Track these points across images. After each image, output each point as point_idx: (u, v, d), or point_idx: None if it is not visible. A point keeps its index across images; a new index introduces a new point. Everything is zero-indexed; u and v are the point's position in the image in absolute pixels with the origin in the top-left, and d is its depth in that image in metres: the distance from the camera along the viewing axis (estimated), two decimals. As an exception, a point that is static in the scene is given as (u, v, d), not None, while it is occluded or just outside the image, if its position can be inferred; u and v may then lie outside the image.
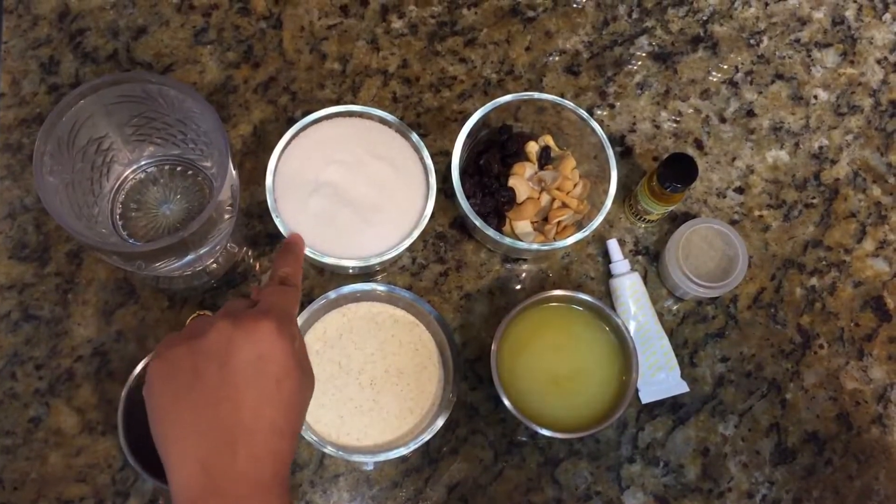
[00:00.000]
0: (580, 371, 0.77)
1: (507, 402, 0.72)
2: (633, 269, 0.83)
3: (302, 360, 0.56)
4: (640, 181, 0.82)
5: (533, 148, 0.82)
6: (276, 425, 0.52)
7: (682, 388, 0.81)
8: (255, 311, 0.55)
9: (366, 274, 0.82)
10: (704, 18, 0.92)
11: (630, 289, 0.82)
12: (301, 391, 0.55)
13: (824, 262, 0.86)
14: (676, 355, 0.81)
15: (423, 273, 0.83)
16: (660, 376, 0.81)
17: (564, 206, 0.80)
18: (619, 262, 0.82)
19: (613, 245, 0.83)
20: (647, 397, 0.81)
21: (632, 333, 0.78)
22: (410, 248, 0.82)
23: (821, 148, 0.89)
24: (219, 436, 0.51)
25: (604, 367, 0.77)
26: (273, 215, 0.74)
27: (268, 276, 0.78)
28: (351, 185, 0.76)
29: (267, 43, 0.88)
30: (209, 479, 0.50)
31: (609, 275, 0.83)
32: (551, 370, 0.76)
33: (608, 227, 0.85)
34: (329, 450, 0.73)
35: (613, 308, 0.81)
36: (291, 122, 0.81)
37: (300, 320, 0.75)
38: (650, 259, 0.85)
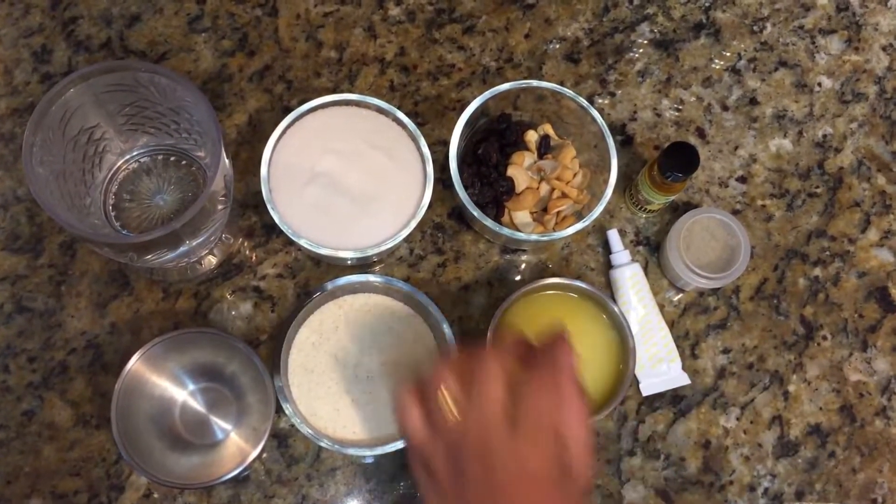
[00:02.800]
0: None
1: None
2: (633, 260, 0.82)
3: None
4: (640, 170, 0.81)
5: (532, 137, 0.81)
6: None
7: (684, 380, 0.80)
8: None
9: (363, 265, 0.81)
10: (707, 5, 0.91)
11: (631, 280, 0.81)
12: None
13: (828, 253, 0.85)
14: (677, 347, 0.81)
15: (420, 264, 0.82)
16: (661, 368, 0.80)
17: (564, 196, 0.79)
18: (620, 253, 0.81)
19: (614, 235, 0.82)
20: (647, 389, 0.80)
21: (632, 325, 0.77)
22: (408, 239, 0.81)
23: (825, 136, 0.88)
24: None
25: (601, 356, 0.76)
26: (268, 206, 0.73)
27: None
28: (347, 174, 0.75)
29: (262, 31, 0.87)
30: None
31: (609, 265, 0.82)
32: (550, 361, 0.75)
33: (608, 217, 0.84)
34: (325, 443, 0.72)
35: (613, 298, 0.80)
36: (287, 111, 0.80)
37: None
38: (651, 250, 0.84)
